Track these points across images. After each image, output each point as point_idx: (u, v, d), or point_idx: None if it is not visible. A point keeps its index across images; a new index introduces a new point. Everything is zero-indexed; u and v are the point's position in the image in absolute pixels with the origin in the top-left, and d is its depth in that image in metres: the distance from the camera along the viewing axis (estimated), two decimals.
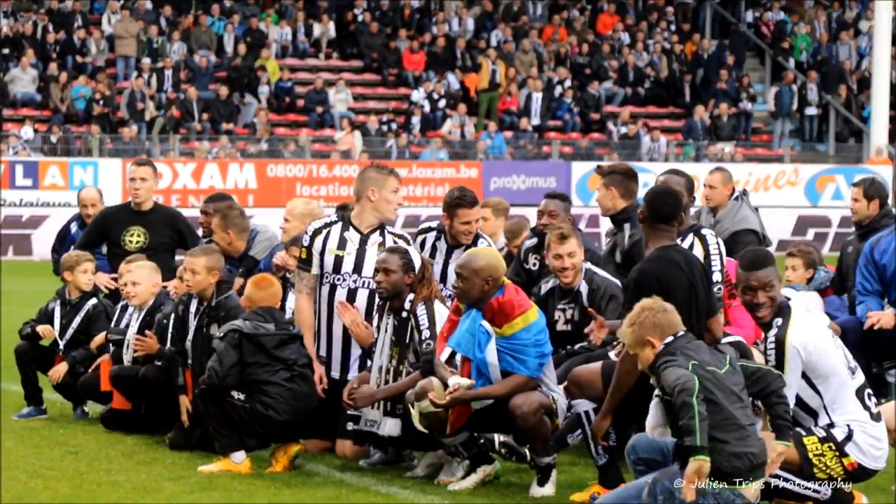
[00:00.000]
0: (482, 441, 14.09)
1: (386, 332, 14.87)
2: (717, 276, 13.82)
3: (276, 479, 14.50)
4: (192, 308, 16.03)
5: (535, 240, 17.06)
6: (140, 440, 16.10)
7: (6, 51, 54.36)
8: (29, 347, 17.84)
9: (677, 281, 12.91)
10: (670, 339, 11.39)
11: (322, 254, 15.65)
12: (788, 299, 13.24)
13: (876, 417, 12.68)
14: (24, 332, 18.09)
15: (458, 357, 13.98)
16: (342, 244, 15.62)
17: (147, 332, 16.13)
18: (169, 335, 16.21)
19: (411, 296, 14.80)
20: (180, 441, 15.48)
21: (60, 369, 17.11)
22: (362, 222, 15.68)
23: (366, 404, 14.75)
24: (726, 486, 11.19)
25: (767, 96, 60.36)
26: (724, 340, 13.17)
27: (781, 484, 12.14)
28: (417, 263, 15.09)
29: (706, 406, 11.10)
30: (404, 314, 14.81)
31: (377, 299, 15.30)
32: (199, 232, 18.91)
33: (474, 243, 15.86)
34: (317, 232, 15.71)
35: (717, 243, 14.31)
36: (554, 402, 14.04)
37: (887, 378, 16.26)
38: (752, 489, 11.35)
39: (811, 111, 58.81)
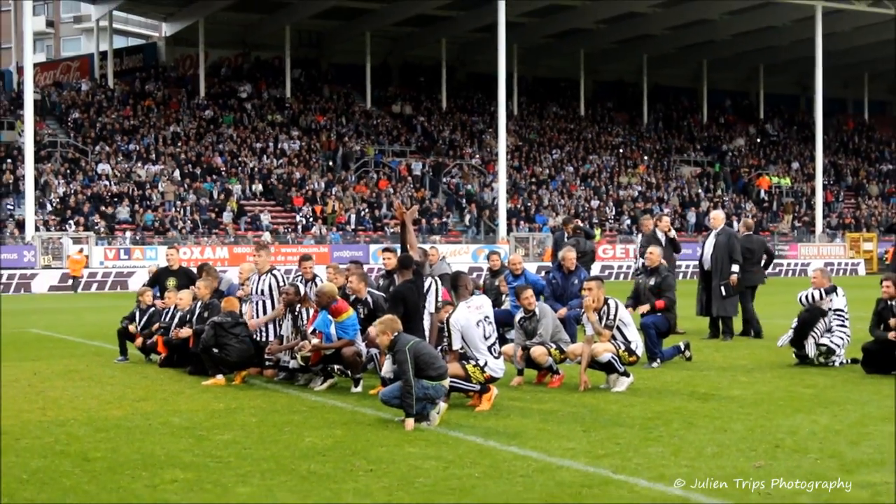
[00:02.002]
0: (329, 368, 13.91)
1: (289, 321, 14.63)
2: (439, 297, 13.77)
3: (235, 386, 14.19)
4: (197, 307, 15.85)
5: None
6: (176, 371, 15.75)
7: (114, 202, 53.60)
8: (123, 330, 17.43)
9: (411, 296, 12.88)
10: (394, 334, 11.20)
11: (252, 285, 15.61)
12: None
13: (497, 357, 12.65)
14: (122, 323, 17.66)
15: (317, 332, 13.87)
16: (254, 280, 15.54)
17: (182, 327, 16.04)
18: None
19: (299, 305, 14.68)
20: (194, 371, 15.16)
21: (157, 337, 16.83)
22: (260, 270, 15.53)
23: (275, 353, 14.63)
24: (435, 383, 11.10)
25: (460, 216, 60.25)
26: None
27: (457, 384, 12.05)
28: (303, 290, 15.00)
29: (421, 356, 11.09)
30: (296, 313, 14.64)
31: (272, 306, 15.34)
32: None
33: (314, 280, 15.76)
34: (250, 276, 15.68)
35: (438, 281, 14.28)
36: (361, 350, 13.96)
37: (506, 336, 16.13)
38: (445, 383, 11.24)
39: (472, 223, 58.88)
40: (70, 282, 44.14)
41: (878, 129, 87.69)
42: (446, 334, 13.01)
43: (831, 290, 15.79)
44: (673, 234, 21.91)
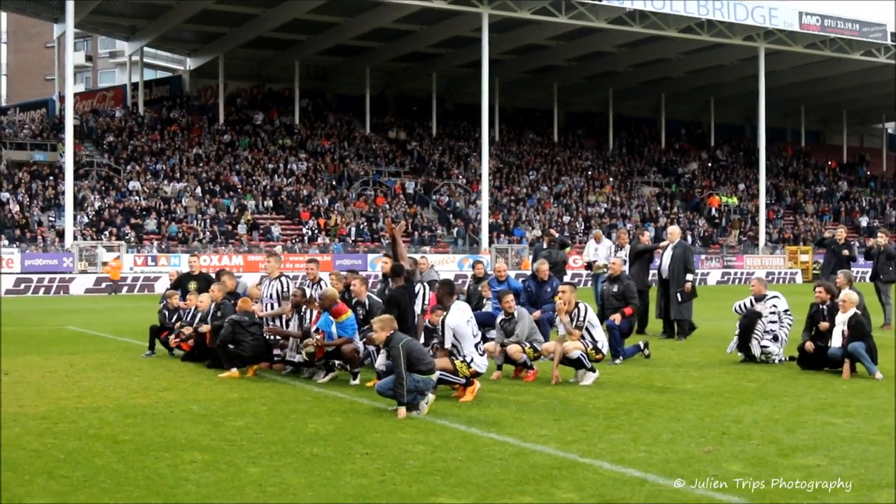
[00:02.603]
0: (330, 362, 13.85)
1: (295, 321, 14.68)
2: (426, 300, 13.81)
3: (248, 378, 14.10)
4: (212, 307, 15.73)
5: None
6: (196, 365, 15.67)
7: (143, 215, 53.50)
8: (155, 327, 17.35)
9: (403, 300, 12.93)
10: (391, 332, 11.16)
11: (264, 289, 15.59)
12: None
13: (481, 354, 12.70)
14: (161, 320, 17.65)
15: (320, 330, 13.81)
16: (266, 285, 15.67)
17: (204, 324, 15.91)
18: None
19: (304, 306, 14.65)
20: (212, 365, 15.01)
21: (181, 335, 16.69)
22: (270, 275, 15.58)
23: (275, 333, 14.86)
24: (424, 377, 11.08)
25: (448, 229, 60.11)
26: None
27: (445, 377, 12.04)
28: (308, 293, 14.92)
29: (413, 353, 11.03)
30: (302, 313, 14.62)
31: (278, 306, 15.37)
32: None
33: (319, 284, 15.55)
34: (262, 280, 15.70)
35: (427, 286, 14.30)
36: (358, 347, 13.90)
37: (487, 336, 15.94)
38: (434, 376, 11.23)
39: (459, 235, 58.75)
40: (103, 285, 44.14)
41: (813, 155, 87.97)
42: (438, 333, 13.02)
43: (761, 297, 15.91)
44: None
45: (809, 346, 14.64)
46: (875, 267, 22.92)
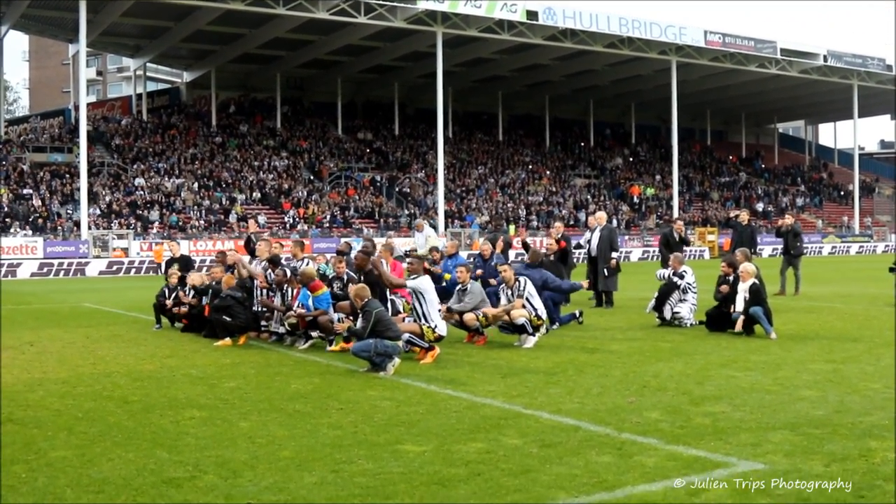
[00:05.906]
0: (309, 332, 13.73)
1: (278, 296, 14.49)
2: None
3: (239, 346, 14.00)
4: (213, 284, 15.49)
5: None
6: (194, 336, 15.52)
7: (147, 207, 52.78)
8: (158, 304, 17.07)
9: (370, 276, 12.81)
10: (366, 300, 11.14)
11: (256, 266, 15.35)
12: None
13: (442, 320, 12.67)
14: (159, 299, 17.24)
15: (300, 304, 13.71)
16: (256, 263, 15.35)
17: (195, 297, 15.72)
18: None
19: (286, 284, 14.49)
20: (208, 335, 14.87)
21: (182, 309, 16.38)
22: (261, 256, 15.38)
23: (266, 305, 14.68)
24: (392, 343, 11.07)
25: (408, 216, 59.62)
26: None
27: (413, 340, 12.05)
28: (289, 273, 14.72)
29: (382, 321, 11.02)
30: (284, 290, 14.45)
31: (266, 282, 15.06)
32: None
33: (303, 262, 15.38)
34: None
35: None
36: (333, 318, 13.74)
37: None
38: (399, 343, 11.22)
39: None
40: (114, 267, 43.67)
41: (716, 151, 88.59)
42: (414, 303, 12.94)
43: (681, 274, 16.16)
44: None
45: (724, 288, 14.98)
46: (785, 243, 23.30)
